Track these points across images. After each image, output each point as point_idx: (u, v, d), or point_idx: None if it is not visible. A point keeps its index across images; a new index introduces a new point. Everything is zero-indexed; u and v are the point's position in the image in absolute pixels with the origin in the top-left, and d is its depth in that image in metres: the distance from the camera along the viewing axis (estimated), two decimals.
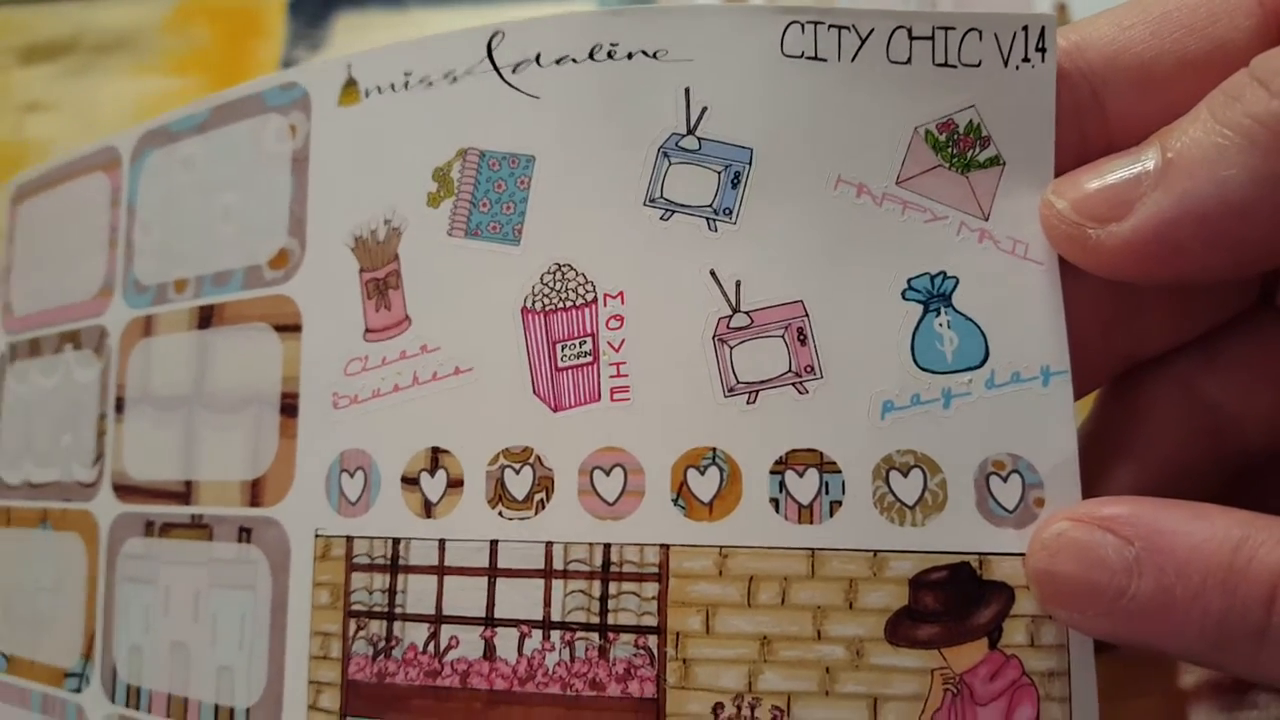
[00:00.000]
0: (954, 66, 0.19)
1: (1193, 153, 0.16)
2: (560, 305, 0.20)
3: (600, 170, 0.20)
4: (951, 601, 0.18)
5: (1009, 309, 0.19)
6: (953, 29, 0.19)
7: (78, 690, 0.25)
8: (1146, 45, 0.18)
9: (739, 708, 0.18)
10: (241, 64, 0.23)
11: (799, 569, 0.18)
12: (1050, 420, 0.18)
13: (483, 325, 0.20)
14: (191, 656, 0.22)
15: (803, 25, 0.19)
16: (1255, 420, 0.19)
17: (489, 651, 0.19)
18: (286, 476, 0.22)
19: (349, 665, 0.20)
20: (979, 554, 0.18)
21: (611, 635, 0.18)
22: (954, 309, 0.19)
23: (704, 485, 0.18)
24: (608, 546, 0.19)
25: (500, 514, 0.19)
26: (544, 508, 0.19)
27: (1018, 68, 0.19)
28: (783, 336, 0.19)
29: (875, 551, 0.18)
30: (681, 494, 0.18)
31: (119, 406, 0.25)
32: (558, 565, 0.19)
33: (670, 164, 0.19)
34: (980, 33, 0.19)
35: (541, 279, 0.20)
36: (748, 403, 0.19)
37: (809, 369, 0.19)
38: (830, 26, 0.19)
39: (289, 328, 0.22)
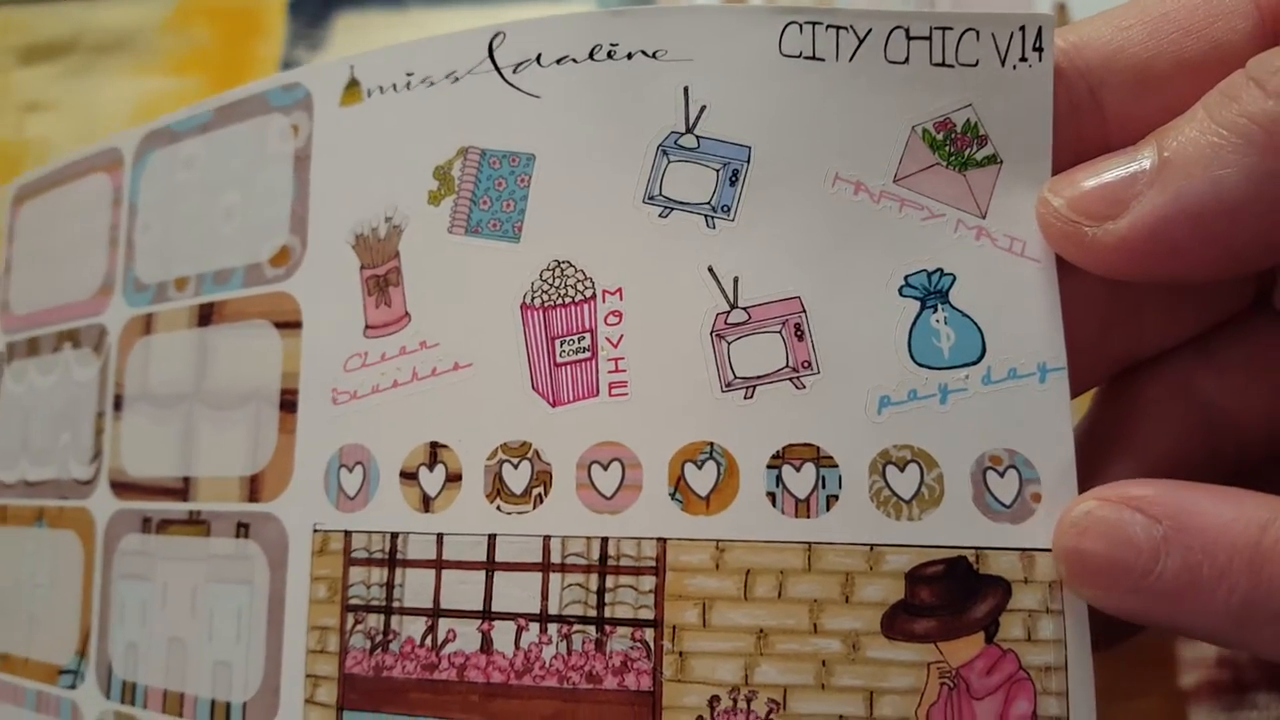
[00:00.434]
0: (951, 66, 0.19)
1: (1189, 152, 0.16)
2: (559, 301, 0.19)
3: (600, 168, 0.20)
4: (948, 595, 0.18)
5: (1006, 306, 0.19)
6: (950, 29, 0.19)
7: (72, 687, 0.24)
8: (1144, 46, 0.18)
9: (735, 700, 0.18)
10: (241, 64, 0.22)
11: (796, 563, 0.18)
12: (1047, 416, 0.18)
13: (482, 321, 0.20)
14: (188, 652, 0.22)
15: (801, 25, 0.19)
16: (1251, 419, 0.19)
17: (486, 645, 0.19)
18: (285, 472, 0.21)
19: (346, 659, 0.20)
20: (975, 548, 0.18)
21: (608, 628, 0.18)
22: (951, 306, 0.19)
23: (701, 479, 0.18)
24: (605, 540, 0.18)
25: (498, 508, 0.19)
26: (542, 502, 0.19)
27: (1015, 67, 0.19)
28: (780, 332, 0.19)
29: (872, 545, 0.18)
30: (679, 488, 0.18)
31: (117, 404, 0.25)
32: (555, 559, 0.19)
33: (669, 162, 0.19)
34: (978, 33, 0.19)
35: (541, 276, 0.20)
36: (745, 398, 0.18)
37: (806, 364, 0.18)
38: (828, 27, 0.19)
39: (289, 324, 0.22)
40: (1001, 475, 0.18)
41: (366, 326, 0.21)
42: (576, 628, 0.18)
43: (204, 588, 0.22)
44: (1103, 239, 0.17)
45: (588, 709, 0.18)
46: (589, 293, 0.19)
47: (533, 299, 0.20)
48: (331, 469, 0.21)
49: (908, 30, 0.19)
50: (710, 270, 0.19)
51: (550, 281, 0.20)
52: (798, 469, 0.18)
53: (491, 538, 0.19)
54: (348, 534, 0.20)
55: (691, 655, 0.18)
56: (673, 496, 0.18)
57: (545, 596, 0.19)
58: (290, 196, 0.22)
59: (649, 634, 0.18)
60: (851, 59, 0.19)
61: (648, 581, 0.18)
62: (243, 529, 0.22)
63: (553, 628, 0.18)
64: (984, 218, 0.19)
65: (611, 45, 0.20)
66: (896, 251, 0.19)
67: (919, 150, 0.19)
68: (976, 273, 0.19)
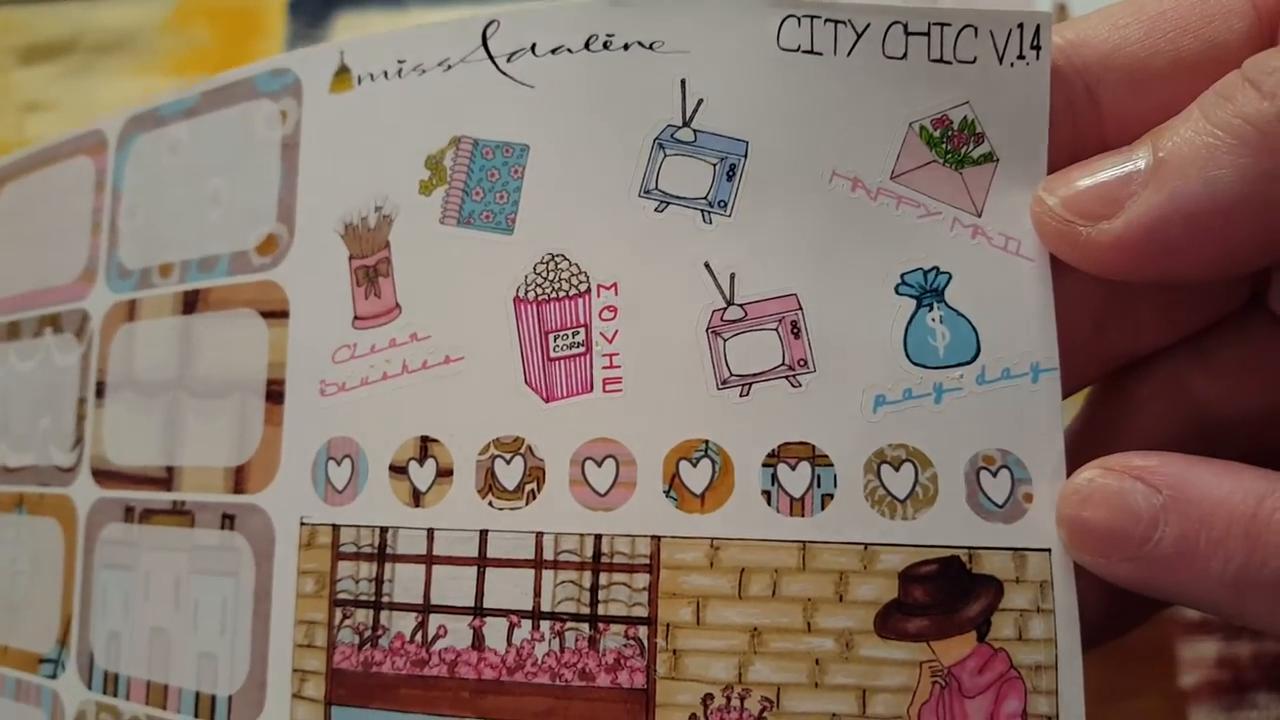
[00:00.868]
0: (949, 63, 0.19)
1: (1184, 152, 0.16)
2: (553, 295, 0.19)
3: (595, 161, 0.19)
4: (940, 595, 0.17)
5: (1000, 305, 0.18)
6: (948, 25, 0.19)
7: (52, 676, 0.24)
8: (1141, 44, 0.18)
9: (729, 699, 0.17)
10: (241, 64, 0.22)
11: (790, 561, 0.17)
12: (1039, 416, 0.18)
13: (474, 314, 0.19)
14: (172, 643, 0.22)
15: (799, 19, 0.19)
16: (1242, 418, 0.18)
17: (478, 641, 0.18)
18: (271, 463, 0.21)
19: (334, 654, 0.19)
20: (968, 548, 0.17)
21: (602, 626, 0.18)
22: (946, 304, 0.18)
23: (696, 477, 0.18)
24: (599, 537, 0.18)
25: (490, 504, 0.19)
26: (535, 498, 0.18)
27: (1012, 65, 0.19)
28: (776, 329, 0.18)
29: (866, 545, 0.17)
30: (673, 486, 0.18)
31: (99, 391, 0.24)
32: (548, 556, 0.18)
33: (665, 156, 0.19)
34: (976, 29, 0.19)
35: (535, 269, 0.19)
36: (741, 395, 0.18)
37: (802, 362, 0.18)
38: (826, 20, 0.19)
39: (276, 314, 0.21)
40: (994, 475, 0.18)
41: (355, 318, 0.20)
42: (569, 625, 0.18)
43: (188, 578, 0.22)
44: (1097, 239, 0.17)
45: (580, 706, 0.18)
46: (583, 287, 0.19)
47: (526, 292, 0.19)
48: (319, 462, 0.20)
49: (906, 26, 0.19)
50: (707, 266, 0.18)
51: (544, 275, 0.19)
52: (793, 468, 0.18)
53: (483, 533, 0.19)
54: (336, 528, 0.20)
55: (685, 653, 0.17)
56: (667, 494, 0.18)
57: (538, 593, 0.18)
58: (278, 184, 0.22)
59: (643, 631, 0.18)
60: (850, 53, 0.19)
61: (641, 579, 0.18)
62: (228, 520, 0.21)
63: (545, 625, 0.18)
64: (980, 216, 0.19)
65: (608, 35, 0.19)
66: (893, 249, 0.18)
67: (916, 147, 0.19)
68: (972, 272, 0.19)
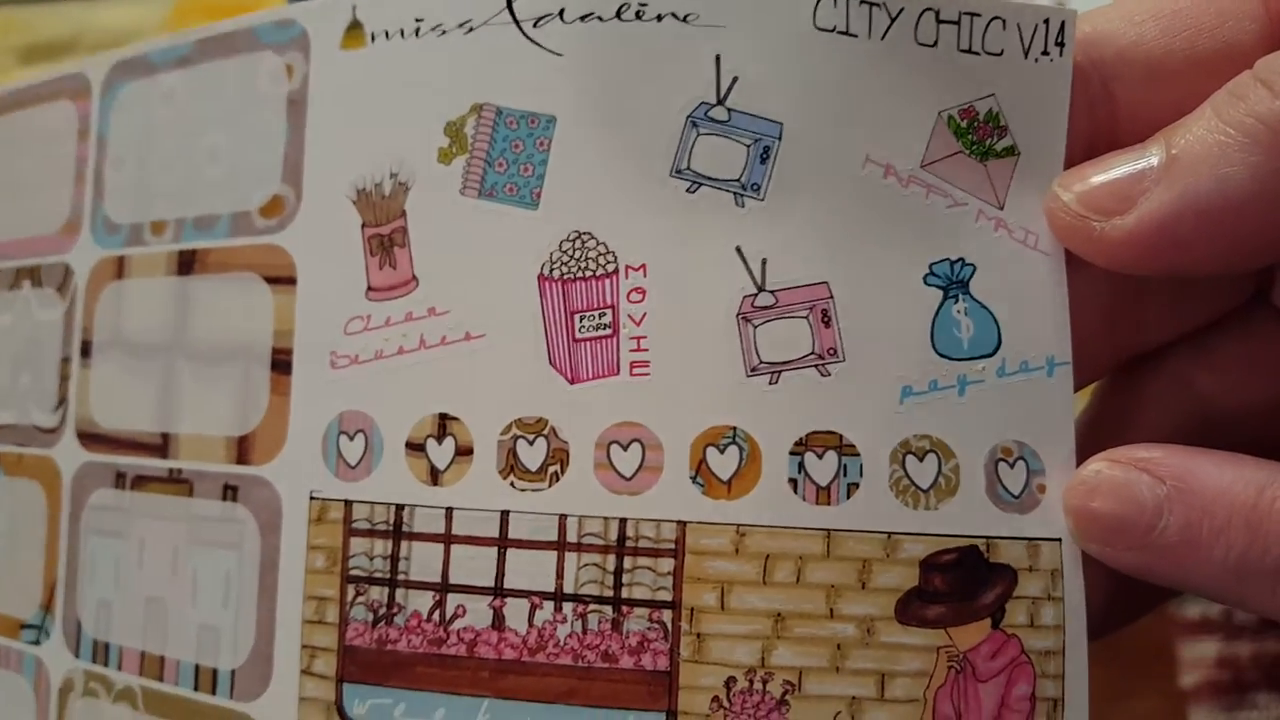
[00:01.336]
0: (977, 54, 0.18)
1: (1196, 150, 0.16)
2: (579, 274, 0.18)
3: (625, 136, 0.18)
4: (959, 583, 0.17)
5: (1020, 299, 0.18)
6: (978, 15, 0.18)
7: (36, 643, 0.22)
8: (1157, 42, 0.18)
9: (751, 682, 0.17)
10: None
11: (815, 549, 0.17)
12: (1053, 409, 0.18)
13: (497, 291, 0.18)
14: (169, 614, 0.21)
15: None
16: (1246, 412, 0.19)
17: (498, 621, 0.18)
18: (278, 435, 0.20)
19: (346, 630, 0.19)
20: (986, 538, 0.17)
21: (625, 609, 0.17)
22: (971, 296, 0.18)
23: (723, 464, 0.17)
24: (623, 521, 0.18)
25: (512, 484, 0.18)
26: (558, 480, 0.18)
27: (1037, 60, 0.18)
28: (807, 318, 0.18)
29: (889, 534, 0.17)
30: (700, 472, 0.17)
31: (85, 351, 0.23)
32: (571, 538, 0.18)
33: (699, 134, 0.18)
34: (1004, 21, 0.18)
35: (560, 246, 0.18)
36: (770, 383, 0.18)
37: (831, 351, 0.18)
38: (862, 2, 0.18)
39: (282, 280, 0.20)
40: (1011, 466, 0.18)
41: (369, 288, 0.19)
42: (592, 607, 0.17)
43: (186, 549, 0.21)
44: (1110, 234, 0.17)
45: (602, 687, 0.17)
46: (611, 267, 0.18)
47: (551, 270, 0.18)
48: (330, 436, 0.19)
49: (938, 13, 0.18)
50: (738, 251, 0.18)
51: (570, 253, 0.18)
52: (820, 456, 0.17)
53: (504, 514, 0.18)
54: (348, 503, 0.19)
55: (709, 637, 0.17)
56: (694, 480, 0.17)
57: (560, 575, 0.18)
58: (283, 142, 0.20)
59: (666, 615, 0.17)
60: (884, 37, 0.18)
61: (666, 564, 0.17)
62: (230, 492, 0.20)
63: (568, 606, 0.18)
64: (1002, 209, 0.19)
65: (640, 4, 0.18)
66: (922, 239, 0.18)
67: (945, 136, 0.18)
68: (994, 264, 0.18)
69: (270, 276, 0.20)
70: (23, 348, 0.24)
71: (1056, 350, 0.18)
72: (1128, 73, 0.18)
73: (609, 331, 0.18)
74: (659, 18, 0.18)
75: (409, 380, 0.19)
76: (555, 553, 0.18)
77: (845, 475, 0.17)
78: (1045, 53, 0.18)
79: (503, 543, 0.18)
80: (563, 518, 0.18)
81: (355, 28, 0.20)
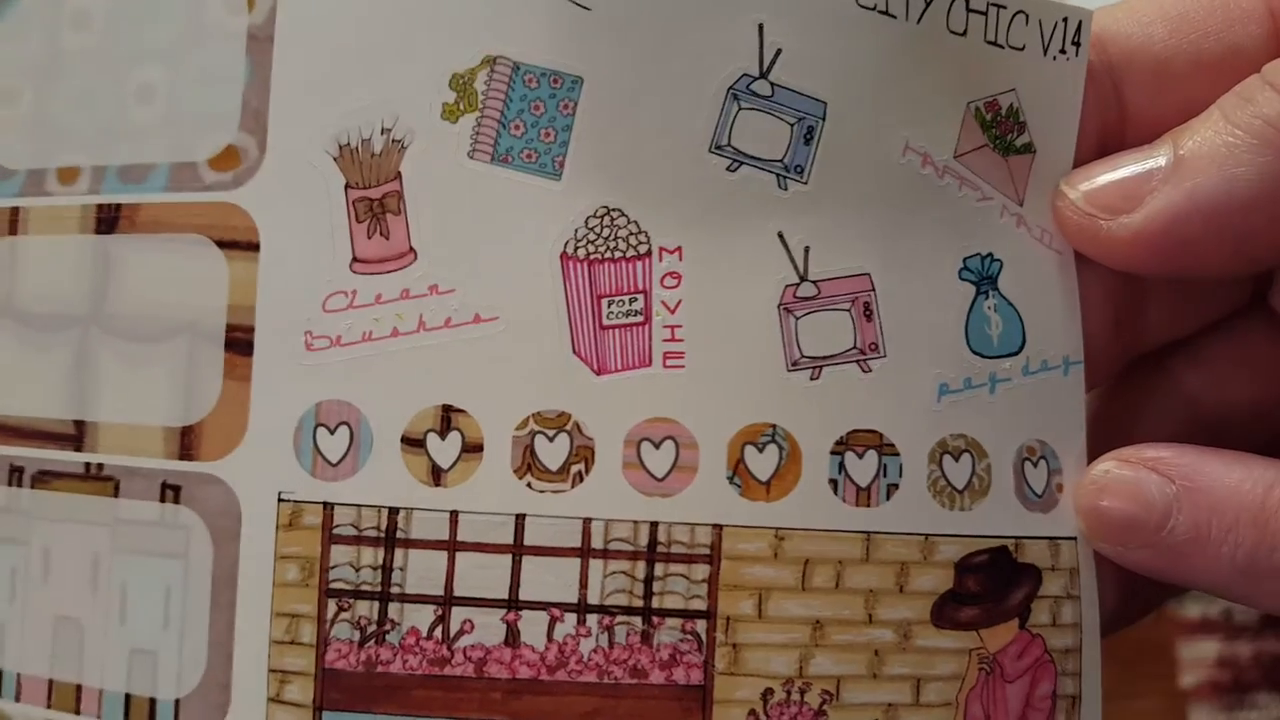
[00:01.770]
0: (1002, 47, 0.18)
1: (1204, 151, 0.16)
2: (608, 255, 0.16)
3: (661, 104, 0.16)
4: (991, 584, 0.17)
5: (1039, 297, 0.18)
6: (1004, 8, 0.18)
7: None
8: (1165, 45, 0.18)
9: (789, 692, 0.16)
10: None
11: (854, 552, 0.16)
12: (1069, 408, 0.18)
13: (512, 269, 0.16)
14: (86, 636, 0.17)
15: None
16: (1237, 413, 0.19)
17: (512, 637, 0.16)
18: (235, 426, 0.17)
19: (327, 651, 0.16)
20: (1015, 538, 0.17)
21: (656, 620, 0.16)
22: (1000, 293, 0.17)
23: (762, 463, 0.16)
24: (654, 525, 0.16)
25: (529, 485, 0.16)
26: (582, 480, 0.16)
27: (1054, 59, 0.18)
28: (849, 310, 0.16)
29: (927, 535, 0.16)
30: (737, 472, 0.16)
31: None
32: (597, 544, 0.16)
33: (740, 108, 0.16)
34: (1027, 16, 0.18)
35: (586, 222, 0.16)
36: (811, 378, 0.16)
37: (873, 346, 0.16)
38: None
39: (240, 245, 0.17)
40: (1035, 466, 0.17)
41: (354, 259, 0.16)
42: (620, 619, 0.16)
43: (110, 559, 0.17)
44: (1117, 232, 0.17)
45: (630, 705, 0.16)
46: (643, 248, 0.16)
47: (576, 249, 0.16)
48: (305, 428, 0.16)
49: (968, 1, 0.17)
50: (780, 237, 0.16)
51: (598, 231, 0.16)
52: (860, 456, 0.16)
53: (520, 518, 0.16)
54: (328, 506, 0.16)
55: (745, 647, 0.16)
56: (731, 480, 0.16)
57: (584, 584, 0.16)
58: (242, 84, 0.17)
59: (701, 625, 0.16)
60: (920, 20, 0.17)
61: (701, 570, 0.16)
62: (170, 492, 0.17)
63: (592, 619, 0.16)
64: (1022, 205, 0.18)
65: None
66: (957, 232, 0.17)
67: (973, 128, 0.18)
68: (1018, 261, 0.18)
69: (223, 240, 0.17)
70: None
71: (1071, 349, 0.18)
72: (1136, 74, 0.18)
73: (640, 319, 0.16)
74: None
75: (405, 366, 0.16)
76: (578, 560, 0.16)
77: (885, 476, 0.16)
78: (1062, 51, 0.18)
79: (518, 550, 0.16)
80: (587, 522, 0.16)
81: None
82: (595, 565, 0.16)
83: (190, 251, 0.17)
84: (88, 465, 0.17)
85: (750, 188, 0.16)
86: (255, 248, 0.17)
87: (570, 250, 0.16)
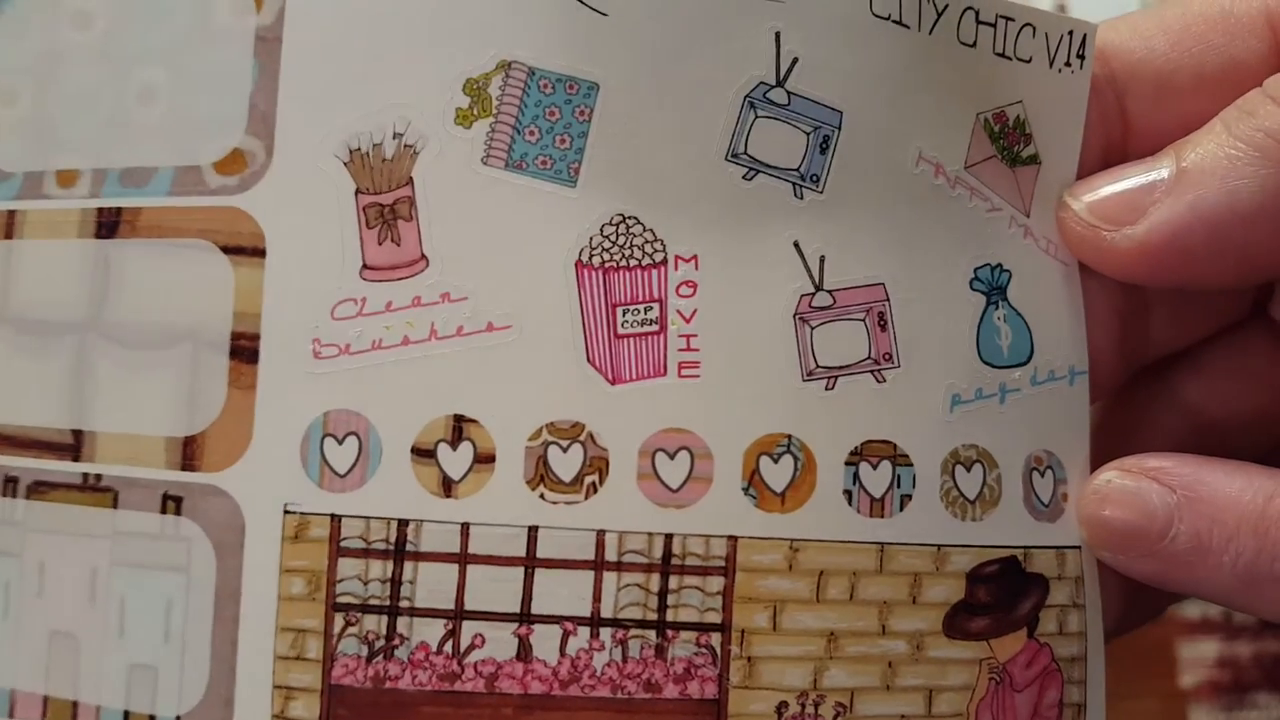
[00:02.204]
0: (1009, 59, 0.17)
1: (1206, 163, 0.16)
2: (623, 263, 0.16)
3: (678, 112, 0.16)
4: (1001, 594, 0.16)
5: (1046, 307, 0.18)
6: (1012, 20, 0.17)
7: None
8: (1167, 58, 0.18)
9: (803, 706, 0.15)
10: None
11: (868, 564, 0.16)
12: (1074, 418, 0.18)
13: (526, 277, 0.15)
14: (83, 651, 0.16)
15: None
16: (1239, 423, 0.19)
17: (524, 651, 0.15)
18: (239, 437, 0.16)
19: (333, 667, 0.15)
20: (1024, 548, 0.17)
21: (670, 633, 0.15)
22: (1009, 303, 0.17)
23: (777, 474, 0.16)
24: (669, 537, 0.15)
25: (542, 496, 0.15)
26: (596, 491, 0.15)
27: (1060, 71, 0.18)
28: (864, 320, 0.16)
29: (939, 546, 0.16)
30: (753, 483, 0.16)
31: None
32: (610, 556, 0.15)
33: (756, 116, 0.16)
34: (1034, 29, 0.18)
35: (602, 230, 0.16)
36: (826, 388, 0.16)
37: (887, 356, 0.16)
38: None
39: (245, 250, 0.16)
40: (1042, 476, 0.17)
41: (364, 266, 0.16)
42: (634, 632, 0.15)
43: (109, 571, 0.16)
44: (1120, 244, 0.17)
45: (645, 719, 0.15)
46: (659, 257, 0.16)
47: (591, 257, 0.15)
48: (313, 438, 0.16)
49: (978, 13, 0.17)
50: (796, 246, 0.16)
51: (613, 238, 0.16)
52: (875, 467, 0.16)
53: (533, 530, 0.15)
54: (336, 518, 0.15)
55: (760, 660, 0.15)
56: (746, 491, 0.15)
57: (598, 598, 0.15)
58: (249, 87, 0.16)
59: (715, 638, 0.15)
60: (932, 31, 0.17)
61: (716, 582, 0.15)
62: (172, 503, 0.16)
63: (606, 632, 0.15)
64: (1029, 217, 0.18)
65: None
66: (968, 242, 0.17)
67: (982, 139, 0.17)
68: (1026, 272, 0.18)
69: (229, 245, 0.16)
70: None
71: (1076, 360, 0.18)
72: (1139, 87, 0.18)
73: (656, 328, 0.16)
74: None
75: (416, 375, 0.15)
76: (592, 572, 0.15)
77: (899, 486, 0.16)
78: (1067, 63, 0.18)
79: (530, 562, 0.15)
80: (601, 533, 0.15)
81: None
82: (609, 578, 0.15)
83: (194, 257, 0.16)
84: (85, 475, 0.16)
85: (766, 196, 0.16)
86: (261, 254, 0.16)
87: (585, 258, 0.15)
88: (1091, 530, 0.17)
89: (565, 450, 0.15)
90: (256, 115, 0.16)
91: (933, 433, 0.16)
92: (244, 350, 0.16)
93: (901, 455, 0.16)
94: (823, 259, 0.16)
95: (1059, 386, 0.17)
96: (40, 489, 0.17)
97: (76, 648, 0.16)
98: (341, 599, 0.15)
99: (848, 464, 0.16)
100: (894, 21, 0.16)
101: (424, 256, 0.16)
